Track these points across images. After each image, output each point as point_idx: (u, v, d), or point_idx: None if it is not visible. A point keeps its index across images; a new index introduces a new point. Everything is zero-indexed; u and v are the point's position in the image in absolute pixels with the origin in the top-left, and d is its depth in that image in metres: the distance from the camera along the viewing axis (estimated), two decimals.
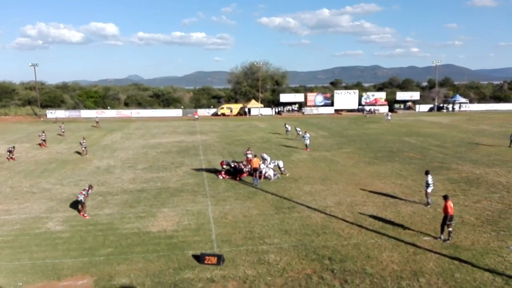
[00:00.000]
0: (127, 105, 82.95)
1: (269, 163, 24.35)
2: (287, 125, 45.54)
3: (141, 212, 18.14)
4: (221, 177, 23.98)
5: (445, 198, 14.46)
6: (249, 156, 25.53)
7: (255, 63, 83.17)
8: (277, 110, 76.88)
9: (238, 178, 23.54)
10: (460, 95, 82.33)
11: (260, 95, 79.78)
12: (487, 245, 13.92)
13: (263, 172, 23.28)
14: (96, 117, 59.82)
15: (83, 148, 32.75)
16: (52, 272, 12.52)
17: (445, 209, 14.24)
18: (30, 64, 70.76)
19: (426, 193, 18.40)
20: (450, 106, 77.30)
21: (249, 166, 23.82)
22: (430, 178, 18.12)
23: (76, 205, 18.32)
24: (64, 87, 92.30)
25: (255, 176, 22.42)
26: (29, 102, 78.50)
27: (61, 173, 26.26)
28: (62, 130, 46.48)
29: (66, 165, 28.81)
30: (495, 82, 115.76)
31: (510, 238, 14.51)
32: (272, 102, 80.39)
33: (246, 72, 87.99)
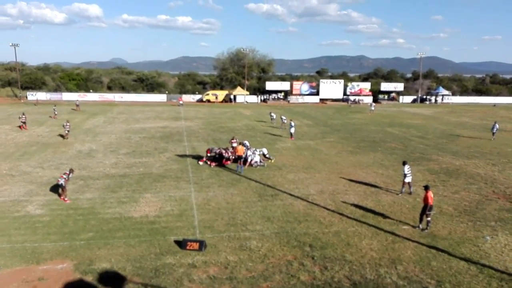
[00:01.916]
0: (110, 88, 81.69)
1: (254, 150, 24.39)
2: (272, 113, 45.54)
3: (123, 197, 18.00)
4: (201, 163, 23.96)
5: (426, 188, 14.72)
6: (234, 145, 25.45)
7: (242, 49, 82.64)
8: (262, 98, 76.74)
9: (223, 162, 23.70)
10: (443, 87, 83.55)
11: (246, 82, 79.43)
12: (463, 235, 14.28)
13: (249, 159, 23.35)
14: (77, 100, 58.68)
15: (66, 131, 32.23)
16: (31, 256, 12.37)
17: (426, 199, 14.51)
18: (11, 44, 68.80)
19: (403, 183, 18.72)
20: (433, 98, 78.47)
21: (235, 153, 23.80)
22: (406, 169, 18.40)
23: (56, 189, 18.05)
24: (45, 68, 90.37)
25: (239, 164, 22.43)
26: (9, 83, 76.55)
27: (42, 156, 25.81)
28: (55, 113, 45.75)
29: (46, 148, 28.31)
30: (478, 76, 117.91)
31: (486, 228, 14.92)
32: (258, 89, 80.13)
33: (233, 58, 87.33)
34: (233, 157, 23.91)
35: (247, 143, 25.45)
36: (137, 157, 26.10)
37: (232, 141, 25.96)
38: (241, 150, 22.81)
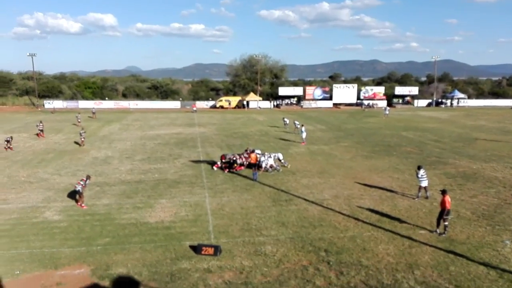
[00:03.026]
0: (125, 96, 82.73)
1: (269, 156, 24.36)
2: (285, 119, 45.50)
3: (138, 202, 18.18)
4: (215, 169, 24.07)
5: (443, 192, 14.52)
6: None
7: (254, 56, 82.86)
8: (275, 103, 76.74)
9: (234, 169, 23.69)
10: (459, 90, 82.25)
11: (259, 88, 79.57)
12: (482, 239, 14.03)
13: (263, 164, 23.38)
14: (93, 108, 59.59)
15: (82, 139, 32.74)
16: (50, 261, 12.57)
17: (443, 203, 14.30)
18: (28, 54, 70.23)
19: (419, 187, 18.49)
20: (448, 102, 77.33)
21: (249, 159, 23.82)
22: (421, 173, 18.17)
23: (73, 195, 18.34)
24: (62, 77, 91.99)
25: (254, 170, 22.43)
26: (27, 92, 78.13)
27: (59, 163, 26.25)
28: (79, 120, 46.89)
29: (63, 156, 28.78)
30: (494, 78, 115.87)
31: (505, 232, 14.63)
32: (271, 95, 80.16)
33: (245, 65, 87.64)
34: (247, 163, 23.96)
35: (258, 151, 25.41)
36: (152, 163, 26.34)
37: (246, 152, 25.95)
38: (254, 158, 22.83)
